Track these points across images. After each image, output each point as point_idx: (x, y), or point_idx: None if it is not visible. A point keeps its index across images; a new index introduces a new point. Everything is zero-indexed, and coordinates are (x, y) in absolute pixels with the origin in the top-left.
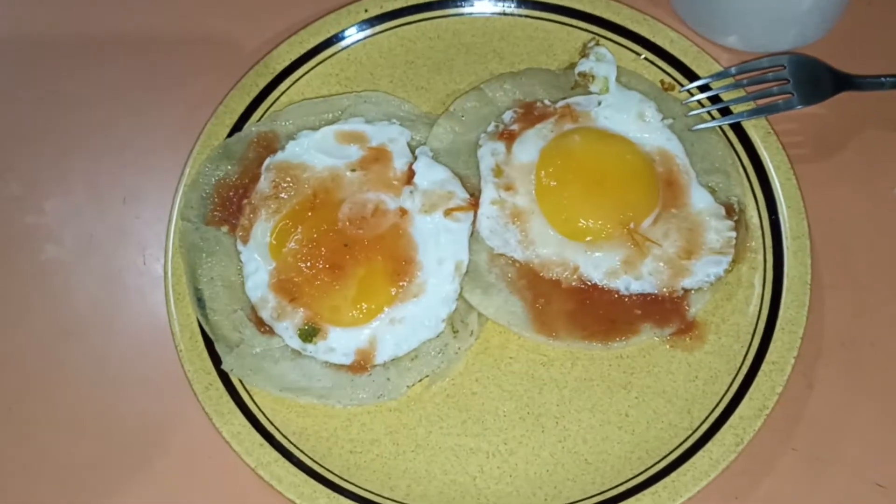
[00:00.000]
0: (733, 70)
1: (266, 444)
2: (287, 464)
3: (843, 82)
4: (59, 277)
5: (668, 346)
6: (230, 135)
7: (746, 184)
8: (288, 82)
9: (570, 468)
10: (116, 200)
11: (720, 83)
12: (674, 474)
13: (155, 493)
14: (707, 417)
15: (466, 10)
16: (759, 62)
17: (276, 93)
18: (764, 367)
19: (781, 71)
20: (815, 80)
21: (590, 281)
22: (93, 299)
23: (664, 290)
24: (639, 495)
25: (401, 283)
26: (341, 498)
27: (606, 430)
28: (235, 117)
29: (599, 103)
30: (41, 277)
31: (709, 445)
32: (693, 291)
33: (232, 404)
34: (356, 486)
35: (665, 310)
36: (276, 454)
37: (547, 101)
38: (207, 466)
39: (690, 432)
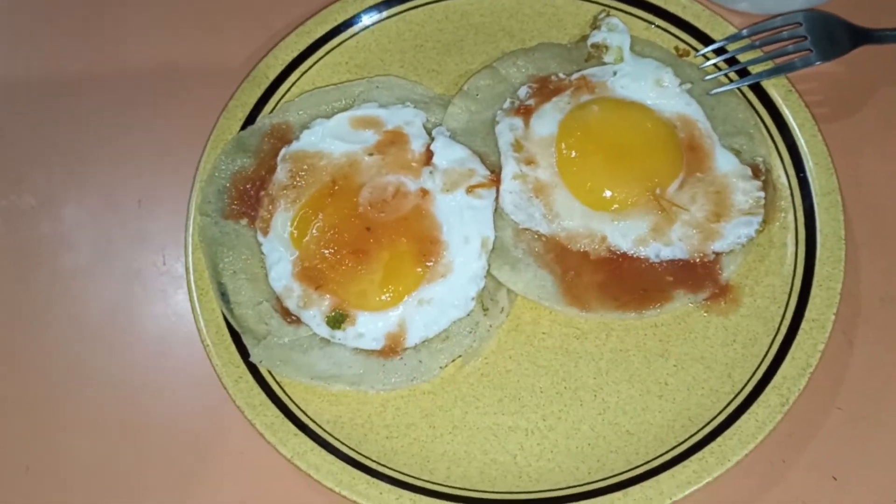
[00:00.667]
0: (748, 31)
1: (301, 433)
2: (323, 452)
3: (860, 36)
4: (79, 284)
5: (703, 312)
6: (243, 128)
7: (771, 144)
8: (298, 73)
9: (612, 440)
10: (132, 204)
11: (736, 45)
12: (720, 439)
13: (189, 492)
14: (749, 380)
15: None
16: (773, 21)
17: (286, 84)
18: (804, 325)
19: (798, 28)
20: (833, 35)
21: (618, 250)
22: (114, 303)
23: (695, 254)
24: (686, 462)
25: (427, 264)
26: (381, 483)
27: (646, 399)
28: (248, 110)
29: (615, 73)
30: (60, 286)
31: (753, 407)
32: (725, 254)
33: (263, 396)
34: (395, 470)
35: (697, 275)
36: (311, 443)
37: (562, 75)
38: (242, 461)
39: (733, 396)
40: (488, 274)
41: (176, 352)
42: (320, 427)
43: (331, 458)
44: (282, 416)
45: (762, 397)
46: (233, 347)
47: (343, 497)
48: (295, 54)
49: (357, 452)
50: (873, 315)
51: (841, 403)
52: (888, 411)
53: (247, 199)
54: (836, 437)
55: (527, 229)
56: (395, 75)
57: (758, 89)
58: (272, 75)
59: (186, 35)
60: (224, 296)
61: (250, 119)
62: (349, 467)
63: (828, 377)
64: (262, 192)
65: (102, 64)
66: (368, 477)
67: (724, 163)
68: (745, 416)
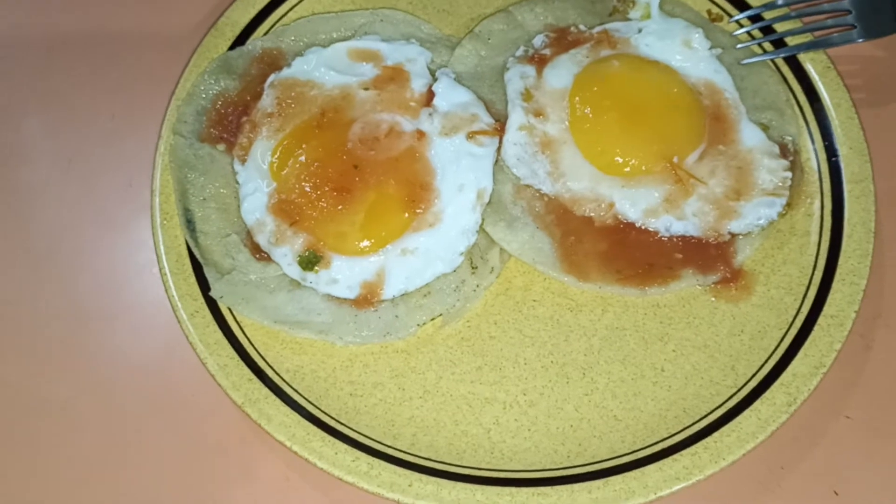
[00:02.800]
0: None
1: (255, 379)
2: (278, 402)
3: None
4: (35, 202)
5: (711, 297)
6: (232, 49)
7: (802, 123)
8: None
9: (596, 424)
10: (104, 118)
11: (773, 13)
12: (716, 434)
13: (136, 431)
14: (754, 375)
15: None
16: None
17: (284, 7)
18: (821, 321)
19: (841, 1)
20: (879, 12)
21: (626, 219)
22: (68, 224)
23: (709, 233)
24: (676, 456)
25: (415, 211)
26: (337, 442)
27: (639, 384)
28: (238, 30)
29: (640, 31)
30: (16, 202)
31: (757, 404)
32: (741, 237)
33: (220, 334)
34: (355, 431)
35: (709, 255)
36: (266, 391)
37: (582, 27)
38: (193, 404)
39: (735, 390)
40: (481, 229)
41: (132, 281)
42: (278, 375)
43: (286, 409)
44: (237, 358)
45: (767, 394)
46: (193, 279)
47: (295, 454)
48: None
49: (316, 407)
50: (895, 318)
51: (850, 411)
52: None
53: (227, 124)
54: (842, 448)
55: (528, 186)
56: (402, 10)
57: (793, 63)
58: None
59: None
60: (190, 223)
61: (241, 40)
62: (305, 422)
63: (839, 381)
64: (245, 118)
65: None
66: (325, 434)
67: (750, 137)
68: (746, 413)
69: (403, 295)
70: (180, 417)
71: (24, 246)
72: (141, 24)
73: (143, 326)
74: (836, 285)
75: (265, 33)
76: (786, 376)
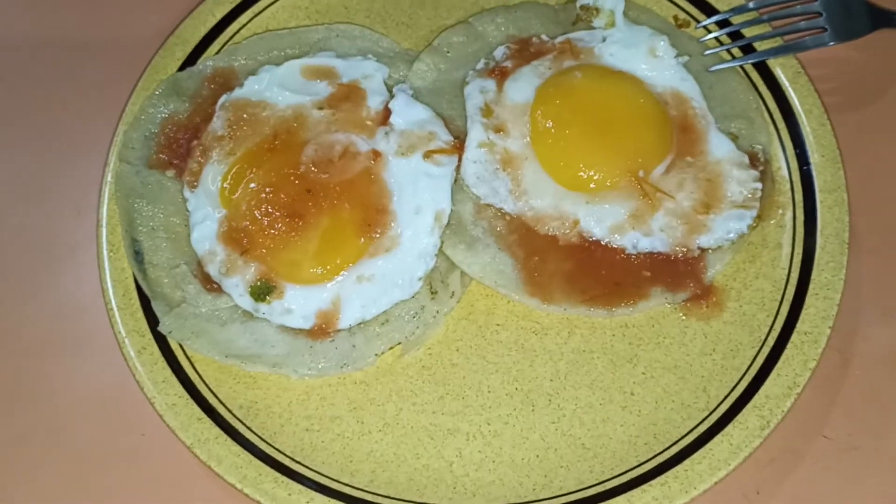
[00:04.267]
0: (756, 2)
1: (206, 418)
2: (229, 442)
3: (881, 18)
4: None
5: (681, 315)
6: (181, 69)
7: (773, 130)
8: (250, 13)
9: (563, 454)
10: (51, 141)
11: (742, 17)
12: (687, 462)
13: (77, 475)
14: (726, 397)
15: None
16: None
17: (236, 24)
18: (794, 338)
19: (812, 3)
20: (851, 13)
21: (591, 237)
22: (16, 254)
23: (677, 249)
24: (645, 486)
25: (371, 235)
26: (291, 483)
27: (608, 409)
28: (188, 49)
29: (604, 39)
30: None
31: (729, 429)
32: (711, 251)
33: (168, 372)
34: (310, 468)
35: (678, 272)
36: (216, 430)
37: (545, 37)
38: (141, 444)
39: (707, 413)
40: (441, 252)
41: (78, 315)
42: (230, 412)
43: (237, 448)
44: (187, 396)
45: (740, 417)
46: (140, 314)
47: (246, 496)
48: None
49: (270, 445)
50: (873, 331)
51: (829, 431)
52: (883, 444)
53: (176, 148)
54: (821, 470)
55: (489, 205)
56: (359, 24)
57: (763, 69)
58: (220, 13)
59: None
60: (138, 254)
61: (191, 60)
62: (257, 461)
63: (817, 400)
64: (195, 142)
65: None
66: (277, 474)
67: (719, 148)
68: (717, 438)
69: (361, 324)
70: (135, 455)
71: None
72: (92, 42)
73: (92, 361)
74: (809, 300)
75: (217, 52)
76: (759, 398)
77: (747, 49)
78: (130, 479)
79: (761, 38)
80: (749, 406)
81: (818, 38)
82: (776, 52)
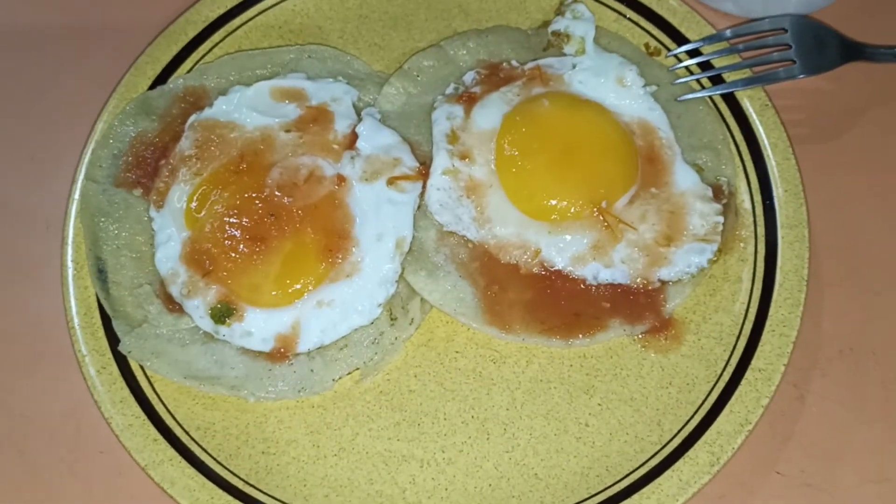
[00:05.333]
0: (727, 33)
1: (161, 439)
2: (183, 463)
3: (851, 51)
4: None
5: (639, 347)
6: (152, 87)
7: (738, 163)
8: (222, 33)
9: (516, 483)
10: (22, 159)
11: (712, 48)
12: (635, 497)
13: (34, 491)
14: (679, 431)
15: None
16: (757, 24)
17: (207, 43)
18: (748, 374)
19: (782, 35)
20: (821, 46)
21: (552, 267)
22: None
23: (638, 280)
24: None
25: (332, 261)
26: None
27: (562, 440)
28: (159, 68)
29: (574, 66)
30: None
31: (679, 464)
32: (671, 284)
33: (126, 392)
34: (264, 493)
35: (638, 304)
36: (171, 452)
37: (515, 63)
38: (97, 463)
39: (659, 447)
40: (401, 279)
41: (41, 330)
42: (187, 434)
43: (191, 471)
44: (143, 416)
45: (690, 453)
46: (101, 333)
47: None
48: (221, 11)
49: (224, 468)
50: (831, 368)
51: (782, 467)
52: (834, 480)
53: (144, 167)
54: None
55: (452, 233)
56: (331, 46)
57: (731, 100)
58: (192, 32)
59: None
60: (102, 273)
61: (162, 78)
62: (210, 484)
63: (772, 435)
64: (163, 161)
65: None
66: (230, 498)
67: (684, 179)
68: (667, 473)
69: (319, 348)
70: (91, 473)
71: None
72: (64, 57)
73: (52, 377)
74: (765, 336)
75: (188, 71)
76: (710, 434)
77: (717, 80)
78: (87, 497)
79: (730, 68)
80: (700, 442)
81: (788, 70)
82: (744, 83)
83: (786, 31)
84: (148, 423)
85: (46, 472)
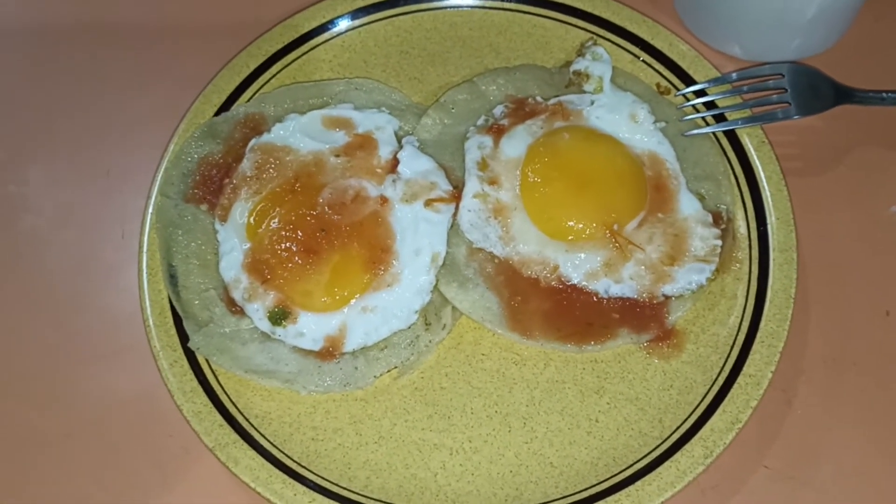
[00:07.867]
0: (731, 76)
1: (226, 425)
2: (245, 446)
3: (842, 95)
4: (34, 248)
5: (644, 353)
6: (217, 114)
7: (737, 192)
8: (279, 65)
9: (533, 470)
10: (100, 173)
11: (716, 89)
12: (638, 483)
13: (112, 468)
14: (678, 428)
15: (465, 2)
16: (758, 69)
17: (266, 75)
18: (740, 379)
19: (780, 79)
20: (815, 90)
21: (569, 281)
22: (66, 271)
23: (644, 295)
24: (601, 502)
25: (375, 272)
26: (297, 485)
27: (574, 434)
28: (224, 97)
29: (592, 103)
30: (16, 247)
31: (677, 456)
32: (674, 299)
33: (195, 383)
34: (314, 473)
35: (644, 316)
36: (235, 436)
37: (539, 98)
38: (167, 444)
39: (660, 441)
40: (435, 289)
41: (121, 328)
42: (247, 420)
43: (252, 452)
44: (210, 405)
45: (687, 447)
46: (173, 331)
47: (258, 494)
48: (279, 47)
49: (280, 451)
50: (815, 375)
51: (769, 461)
52: (816, 474)
53: (210, 185)
54: (760, 495)
55: (481, 249)
56: (375, 79)
57: (732, 136)
58: (253, 65)
59: (174, 15)
60: (173, 278)
61: (226, 106)
62: (268, 464)
63: (761, 433)
64: (227, 180)
65: (89, 25)
66: (286, 476)
67: (687, 206)
68: (667, 464)
69: (363, 348)
70: (162, 454)
71: (24, 289)
72: (137, 88)
73: (129, 368)
74: (756, 346)
75: (248, 99)
76: (705, 430)
77: (720, 118)
78: (157, 476)
79: (732, 108)
80: (696, 437)
81: (784, 111)
82: (744, 122)
83: (783, 76)
84: (214, 410)
85: (122, 451)
